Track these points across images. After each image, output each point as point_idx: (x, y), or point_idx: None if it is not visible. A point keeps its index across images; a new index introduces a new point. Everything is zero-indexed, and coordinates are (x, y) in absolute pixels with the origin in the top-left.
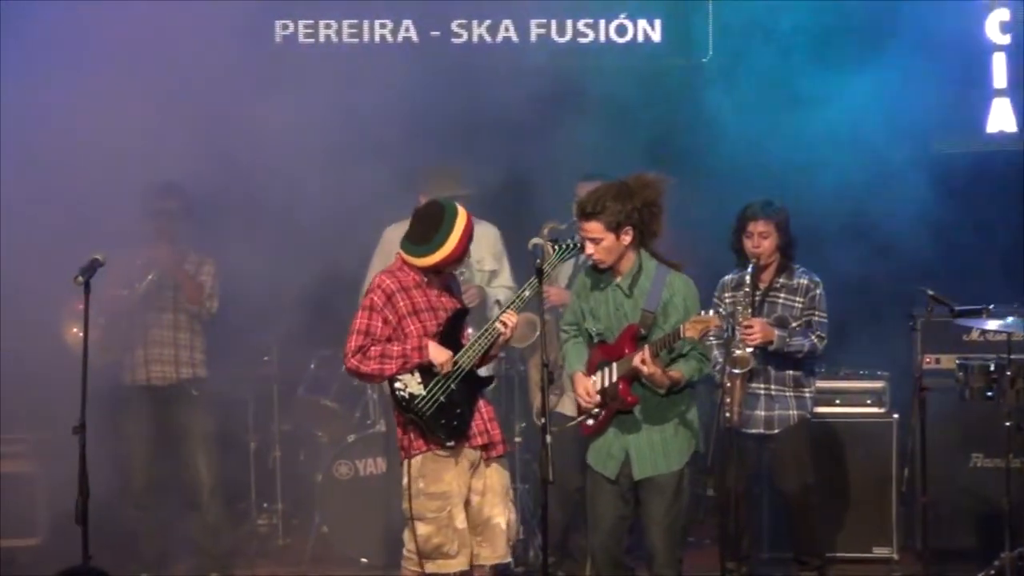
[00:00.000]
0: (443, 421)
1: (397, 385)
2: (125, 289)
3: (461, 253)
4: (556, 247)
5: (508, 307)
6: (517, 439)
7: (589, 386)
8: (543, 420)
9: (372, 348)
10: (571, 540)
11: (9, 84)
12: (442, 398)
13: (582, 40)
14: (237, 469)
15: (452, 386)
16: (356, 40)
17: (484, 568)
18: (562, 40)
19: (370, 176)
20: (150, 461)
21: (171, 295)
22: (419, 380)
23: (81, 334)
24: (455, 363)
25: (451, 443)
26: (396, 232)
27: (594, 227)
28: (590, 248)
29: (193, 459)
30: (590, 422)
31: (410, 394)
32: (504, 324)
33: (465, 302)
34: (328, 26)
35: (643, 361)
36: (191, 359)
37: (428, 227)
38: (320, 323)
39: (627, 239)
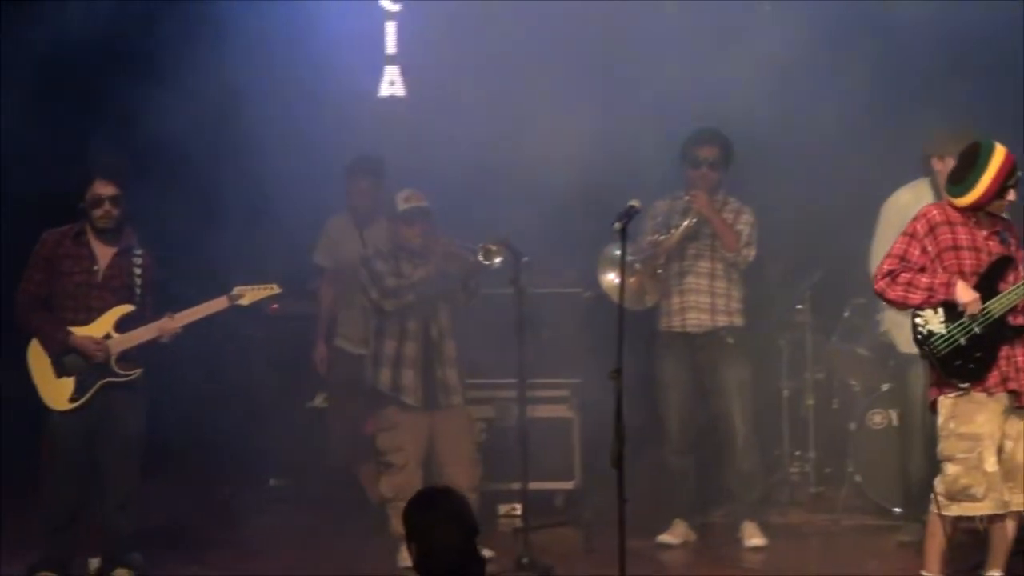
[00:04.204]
0: (958, 363)
1: (918, 321)
2: (663, 236)
3: (994, 193)
4: None
5: None
6: None
7: None
8: None
9: (902, 275)
10: None
11: None
12: (962, 340)
13: None
14: (770, 417)
15: (976, 329)
16: None
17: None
18: None
19: (881, 142)
20: (685, 408)
21: (708, 243)
22: (942, 319)
23: (617, 280)
24: (984, 308)
25: (964, 385)
26: (894, 203)
27: None
28: None
29: (727, 407)
30: None
31: (928, 331)
32: None
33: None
34: None
35: None
36: (727, 307)
37: (964, 167)
38: (854, 271)
39: None
